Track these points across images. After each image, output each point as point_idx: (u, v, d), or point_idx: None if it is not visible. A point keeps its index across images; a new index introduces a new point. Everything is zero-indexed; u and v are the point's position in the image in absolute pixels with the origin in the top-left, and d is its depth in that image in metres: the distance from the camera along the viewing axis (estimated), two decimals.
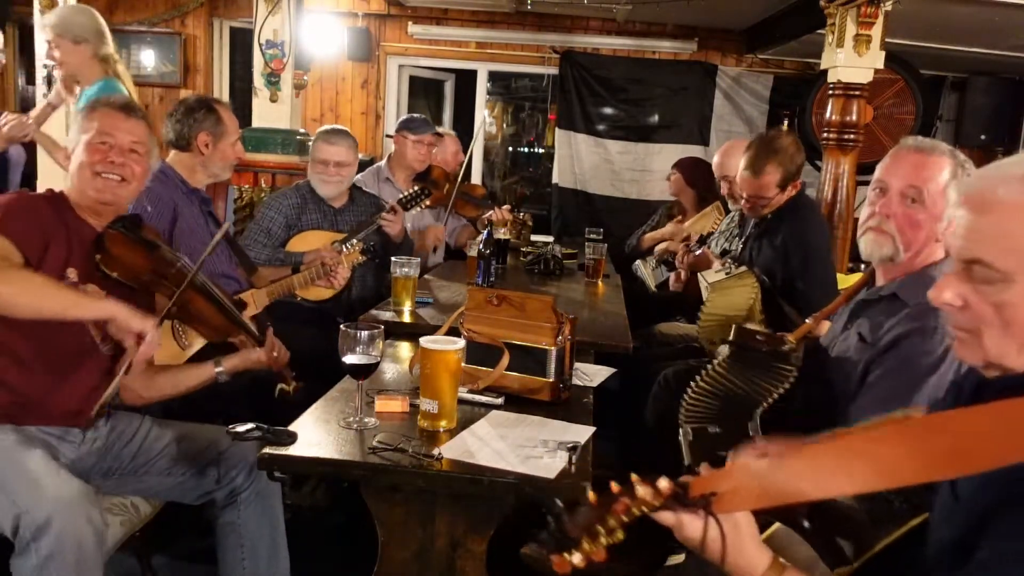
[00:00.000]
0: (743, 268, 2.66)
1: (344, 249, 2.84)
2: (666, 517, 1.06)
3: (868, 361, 1.73)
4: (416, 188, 3.48)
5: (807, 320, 2.00)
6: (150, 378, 1.99)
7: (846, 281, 2.81)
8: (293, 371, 2.12)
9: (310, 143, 3.98)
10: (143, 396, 1.99)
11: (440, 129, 4.37)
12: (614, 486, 1.06)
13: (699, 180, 4.21)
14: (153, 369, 2.00)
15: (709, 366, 1.87)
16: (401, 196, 3.45)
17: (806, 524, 1.15)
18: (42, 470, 1.63)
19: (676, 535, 1.07)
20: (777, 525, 1.20)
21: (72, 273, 1.81)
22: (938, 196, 1.68)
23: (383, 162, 4.08)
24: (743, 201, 3.00)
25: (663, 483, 1.05)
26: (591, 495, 1.06)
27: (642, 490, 1.04)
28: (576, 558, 1.00)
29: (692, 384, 1.86)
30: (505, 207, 4.06)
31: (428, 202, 3.52)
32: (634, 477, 1.06)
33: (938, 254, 1.77)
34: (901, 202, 1.71)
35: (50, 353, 1.78)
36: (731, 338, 1.89)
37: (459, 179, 4.03)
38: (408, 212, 3.44)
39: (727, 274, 2.66)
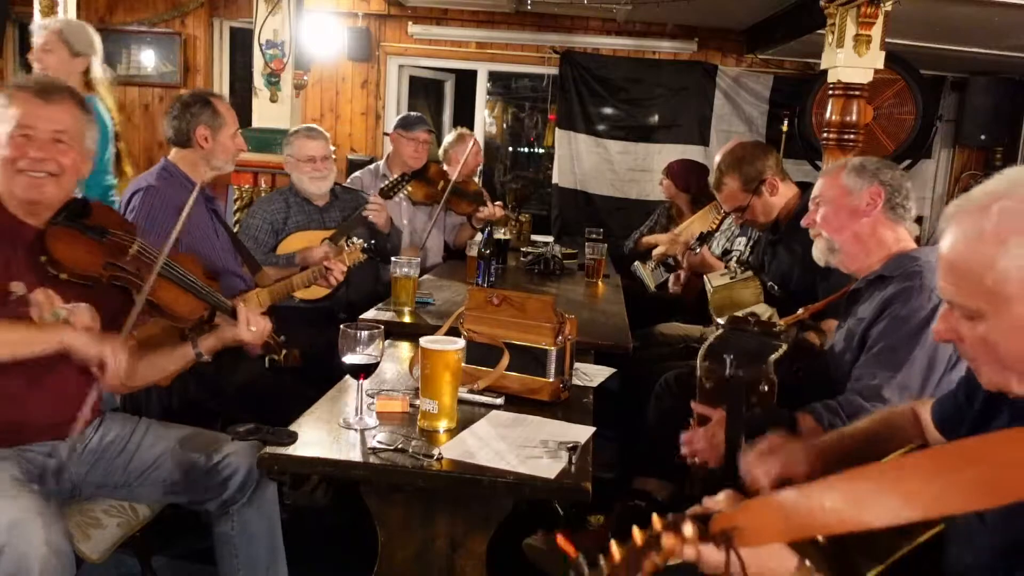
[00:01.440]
0: (748, 273, 2.66)
1: (347, 247, 2.83)
2: (688, 552, 1.02)
3: (864, 331, 1.85)
4: (395, 176, 3.47)
5: (802, 311, 2.16)
6: (131, 367, 1.84)
7: None
8: (281, 336, 2.07)
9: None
10: (127, 386, 1.91)
11: (461, 130, 4.37)
12: (637, 536, 1.01)
13: (690, 183, 4.20)
14: (135, 356, 1.87)
15: (706, 342, 1.92)
16: (382, 186, 3.45)
17: (820, 539, 1.10)
18: None
19: (699, 568, 1.03)
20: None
21: (17, 287, 1.66)
22: (828, 187, 2.01)
23: (382, 161, 4.11)
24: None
25: (688, 529, 1.00)
26: (615, 552, 1.00)
27: (667, 540, 1.00)
28: None
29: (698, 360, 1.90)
30: (498, 203, 4.06)
31: (410, 188, 3.53)
32: (656, 523, 1.01)
33: (906, 242, 1.94)
34: (813, 210, 2.07)
35: (17, 365, 1.61)
36: (724, 322, 1.97)
37: (453, 176, 4.03)
38: (391, 200, 3.43)
39: (732, 278, 2.66)
